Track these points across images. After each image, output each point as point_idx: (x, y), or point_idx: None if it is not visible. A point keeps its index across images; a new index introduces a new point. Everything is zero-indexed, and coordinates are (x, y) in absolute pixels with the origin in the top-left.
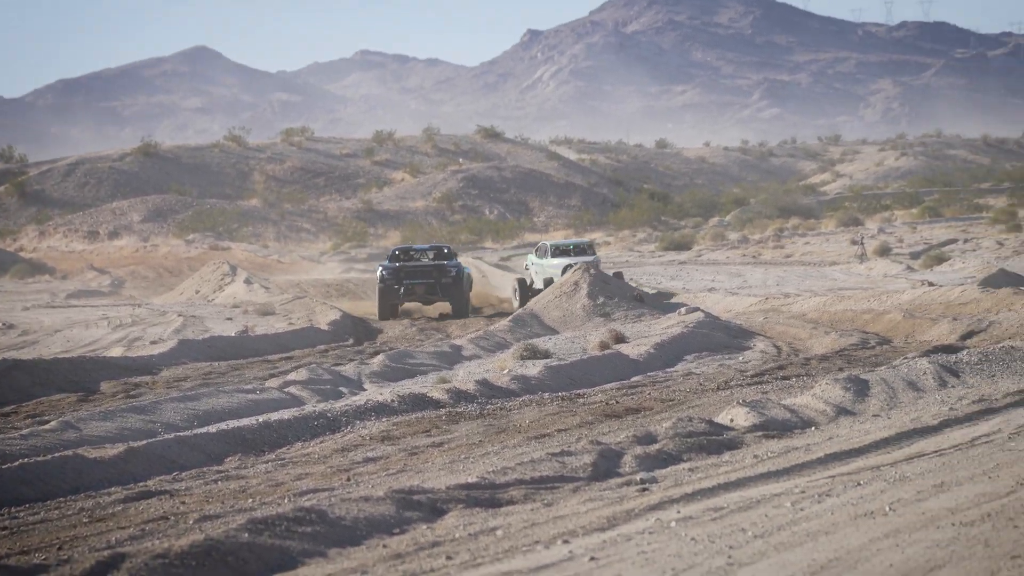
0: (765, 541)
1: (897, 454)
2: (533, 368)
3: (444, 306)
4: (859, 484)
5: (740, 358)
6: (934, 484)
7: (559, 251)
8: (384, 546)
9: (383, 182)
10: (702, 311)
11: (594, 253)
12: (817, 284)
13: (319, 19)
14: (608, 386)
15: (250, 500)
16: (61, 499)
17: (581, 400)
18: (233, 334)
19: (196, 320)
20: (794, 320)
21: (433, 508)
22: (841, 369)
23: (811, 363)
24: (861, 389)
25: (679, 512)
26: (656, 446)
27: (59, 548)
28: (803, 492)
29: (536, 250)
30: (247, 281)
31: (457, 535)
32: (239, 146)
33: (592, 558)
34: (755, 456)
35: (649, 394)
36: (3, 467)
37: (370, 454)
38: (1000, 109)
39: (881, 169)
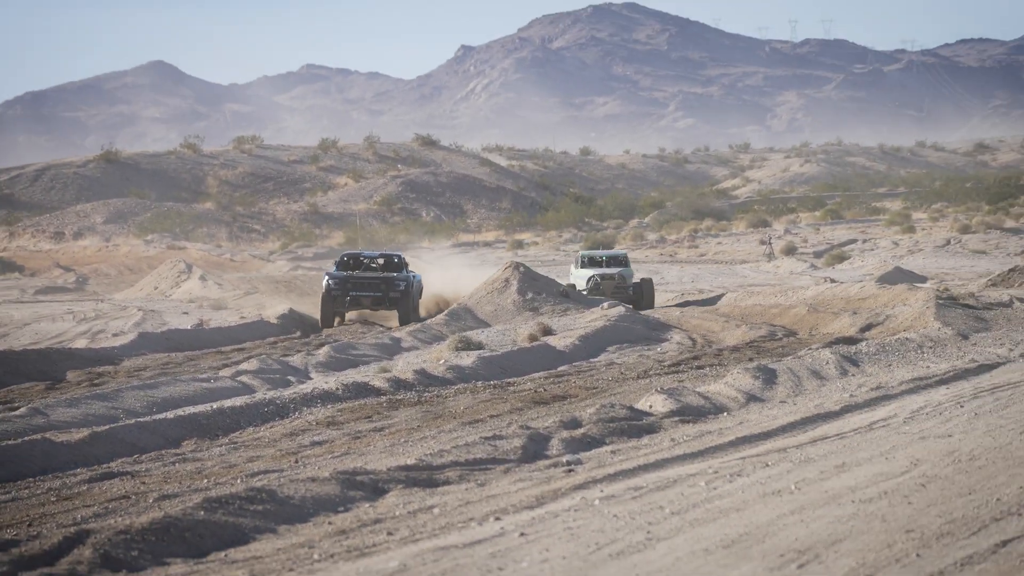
0: (681, 518)
1: (802, 437)
2: (467, 358)
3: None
4: (767, 465)
5: (658, 349)
6: (836, 465)
7: (590, 262)
8: (330, 523)
9: (328, 187)
10: (623, 306)
11: (627, 264)
12: (729, 281)
13: (268, 36)
14: (537, 375)
15: (205, 481)
16: (30, 480)
17: (512, 388)
18: (189, 327)
19: (155, 314)
20: (708, 314)
21: (375, 488)
22: (751, 359)
23: (723, 354)
24: (769, 378)
25: (602, 491)
26: (581, 430)
27: (29, 525)
28: (716, 472)
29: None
30: (202, 278)
31: (397, 513)
32: (194, 153)
33: (522, 534)
34: (672, 440)
35: (574, 382)
36: None
37: (316, 438)
38: (895, 119)
39: (787, 175)
